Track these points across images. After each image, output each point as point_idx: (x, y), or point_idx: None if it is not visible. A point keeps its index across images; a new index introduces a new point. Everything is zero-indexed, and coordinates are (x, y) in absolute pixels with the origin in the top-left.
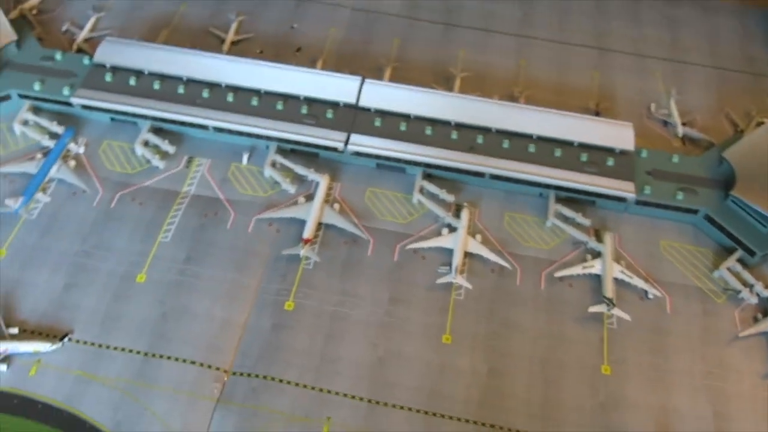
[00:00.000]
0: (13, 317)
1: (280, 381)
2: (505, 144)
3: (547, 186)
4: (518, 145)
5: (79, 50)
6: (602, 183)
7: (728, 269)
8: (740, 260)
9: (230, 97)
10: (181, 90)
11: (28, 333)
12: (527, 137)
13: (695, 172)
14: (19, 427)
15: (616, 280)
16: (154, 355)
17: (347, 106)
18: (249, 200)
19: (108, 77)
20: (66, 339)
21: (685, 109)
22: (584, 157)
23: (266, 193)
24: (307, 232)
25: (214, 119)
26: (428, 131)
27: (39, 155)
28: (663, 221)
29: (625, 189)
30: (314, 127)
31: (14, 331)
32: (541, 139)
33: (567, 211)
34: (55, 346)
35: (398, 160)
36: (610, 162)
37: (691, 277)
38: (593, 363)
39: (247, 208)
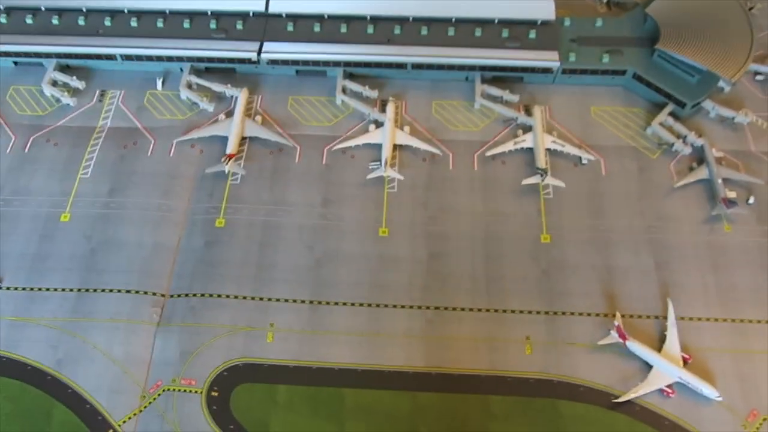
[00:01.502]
0: None
1: (219, 296)
2: (424, 31)
3: (472, 68)
4: (437, 30)
5: None
6: (526, 56)
7: (660, 124)
8: (672, 114)
9: (134, 22)
10: (81, 22)
11: None
12: (446, 21)
13: (620, 33)
14: None
15: (549, 151)
16: (87, 290)
17: (257, 15)
18: (168, 125)
19: (3, 19)
20: None
21: None
22: (506, 33)
23: (185, 116)
24: (230, 147)
25: (120, 47)
26: (344, 29)
27: None
28: (592, 87)
29: (549, 58)
30: (225, 40)
31: None
32: (461, 21)
33: (494, 90)
34: None
35: (317, 63)
36: (532, 35)
37: (624, 138)
38: (532, 234)
39: (168, 133)
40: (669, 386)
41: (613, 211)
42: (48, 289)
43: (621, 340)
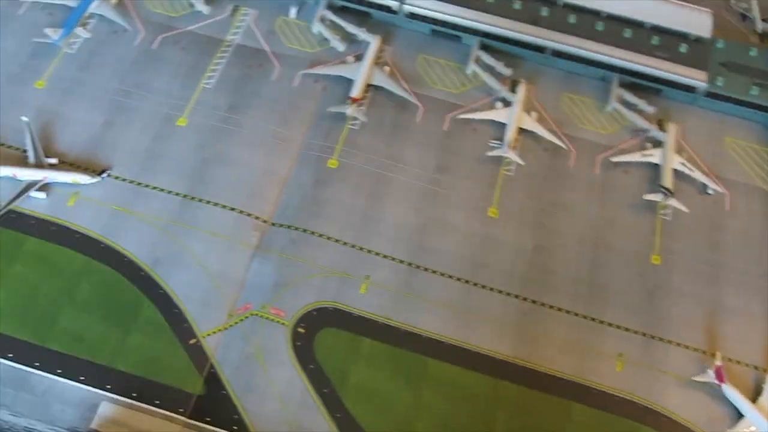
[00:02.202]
0: (51, 148)
1: (320, 236)
2: (572, 19)
3: (612, 68)
4: (585, 21)
5: None
6: (672, 69)
7: None
8: None
9: None
10: None
11: (66, 165)
12: (596, 14)
13: None
14: (55, 253)
15: (676, 172)
16: (193, 198)
17: None
18: (295, 54)
19: None
20: (105, 174)
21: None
22: (655, 40)
23: (314, 49)
24: (355, 91)
25: None
26: None
27: None
28: (731, 117)
29: (696, 77)
30: None
31: (53, 161)
32: (611, 18)
33: (630, 97)
34: (94, 180)
35: (455, 26)
36: (683, 48)
37: (754, 177)
38: (644, 251)
39: (293, 63)
40: None
41: (731, 249)
42: (155, 188)
43: (717, 382)
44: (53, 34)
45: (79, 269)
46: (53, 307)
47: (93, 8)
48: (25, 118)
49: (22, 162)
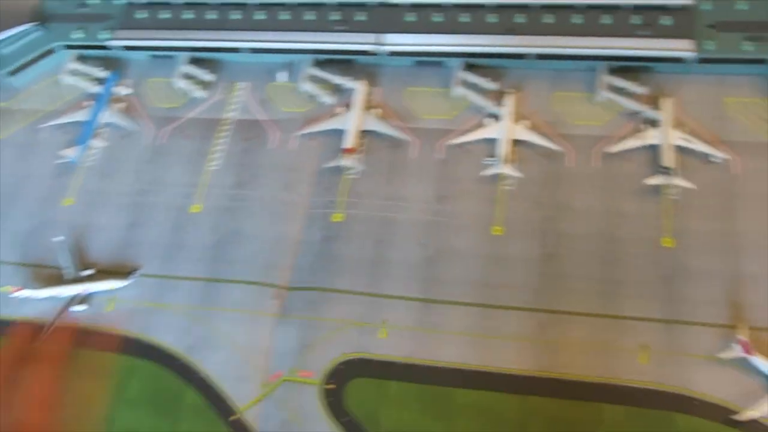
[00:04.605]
0: (84, 259)
1: (335, 291)
2: (548, 18)
3: (597, 58)
4: (562, 17)
5: None
6: (657, 45)
7: None
8: None
9: (261, 15)
10: (212, 16)
11: (100, 273)
12: (571, 8)
13: (765, 17)
14: (102, 359)
15: (678, 148)
16: (215, 280)
17: (378, 4)
18: (289, 118)
19: (142, 14)
20: (135, 274)
21: None
22: (636, 19)
23: (305, 108)
24: (348, 142)
25: (247, 40)
26: (464, 18)
27: (88, 103)
28: (729, 77)
29: (682, 48)
30: (347, 32)
31: (90, 272)
32: (588, 7)
33: (619, 81)
34: (126, 282)
35: (437, 54)
36: (667, 21)
37: (761, 133)
38: (654, 237)
39: (289, 126)
40: None
41: (746, 213)
42: (179, 278)
43: (745, 355)
44: (70, 153)
45: (125, 370)
46: (108, 410)
47: (103, 118)
48: (59, 238)
49: (60, 280)
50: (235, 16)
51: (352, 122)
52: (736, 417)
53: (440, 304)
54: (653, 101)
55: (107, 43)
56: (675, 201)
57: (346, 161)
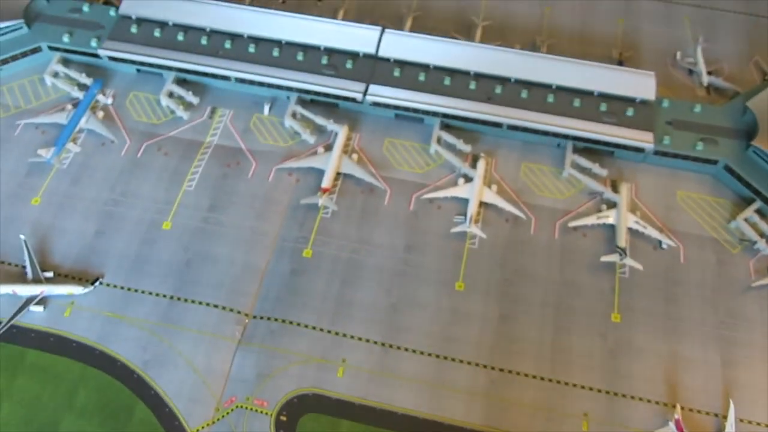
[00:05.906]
0: (47, 261)
1: (298, 324)
2: (524, 94)
3: (565, 136)
4: (537, 95)
5: (106, 2)
6: (621, 133)
7: (745, 220)
8: (758, 211)
9: (252, 48)
10: (204, 41)
11: (61, 277)
12: (546, 87)
13: (717, 122)
14: (54, 364)
15: (631, 230)
16: (179, 299)
17: (367, 56)
18: (270, 150)
19: (134, 29)
20: (97, 282)
21: (712, 57)
22: (604, 106)
23: (286, 143)
24: (326, 182)
25: (236, 70)
26: (447, 81)
27: (69, 106)
28: (681, 172)
29: (643, 139)
30: (334, 77)
31: (49, 274)
32: (561, 89)
33: (584, 162)
34: (87, 289)
35: (417, 111)
36: (630, 112)
37: (707, 228)
38: (604, 311)
39: (268, 158)
40: None
41: (686, 300)
42: (144, 292)
43: None
44: (45, 154)
45: (77, 377)
46: (54, 415)
47: (83, 124)
48: (22, 236)
49: (21, 278)
50: (228, 45)
51: (331, 163)
52: None
53: (399, 351)
54: (613, 184)
55: (98, 51)
56: (625, 279)
57: (321, 200)
